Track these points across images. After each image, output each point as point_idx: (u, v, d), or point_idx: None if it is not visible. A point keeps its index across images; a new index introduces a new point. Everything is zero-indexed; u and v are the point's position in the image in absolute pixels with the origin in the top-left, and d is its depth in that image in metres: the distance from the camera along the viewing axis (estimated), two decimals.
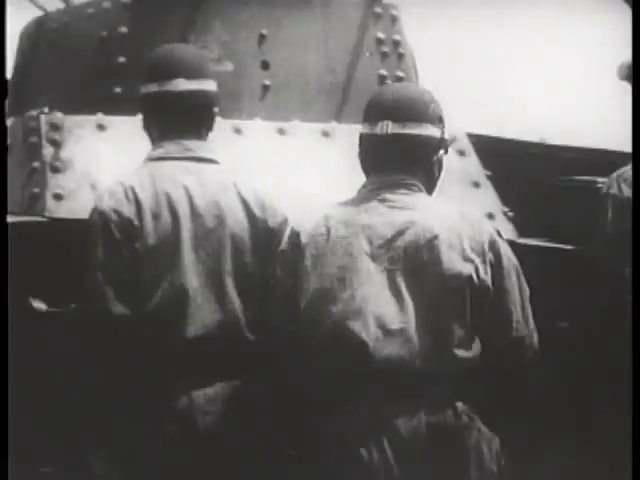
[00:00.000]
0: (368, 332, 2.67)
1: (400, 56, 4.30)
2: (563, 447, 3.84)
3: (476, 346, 2.76)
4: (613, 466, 3.66)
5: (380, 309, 2.68)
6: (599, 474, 3.80)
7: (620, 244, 2.78)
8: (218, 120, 3.10)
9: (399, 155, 2.81)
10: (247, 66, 4.01)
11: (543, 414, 3.86)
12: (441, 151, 2.86)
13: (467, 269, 2.72)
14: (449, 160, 3.64)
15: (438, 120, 2.83)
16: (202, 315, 2.80)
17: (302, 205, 3.49)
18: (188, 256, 2.79)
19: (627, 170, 2.86)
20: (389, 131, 2.79)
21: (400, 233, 2.73)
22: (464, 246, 2.74)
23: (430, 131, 2.81)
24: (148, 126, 2.98)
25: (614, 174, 2.69)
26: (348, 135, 3.73)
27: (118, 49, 3.92)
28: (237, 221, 2.87)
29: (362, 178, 3.52)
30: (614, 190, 2.70)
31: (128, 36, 3.94)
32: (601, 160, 4.00)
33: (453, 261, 2.71)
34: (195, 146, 2.92)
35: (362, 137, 2.86)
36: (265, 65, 4.11)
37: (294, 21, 4.17)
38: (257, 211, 2.91)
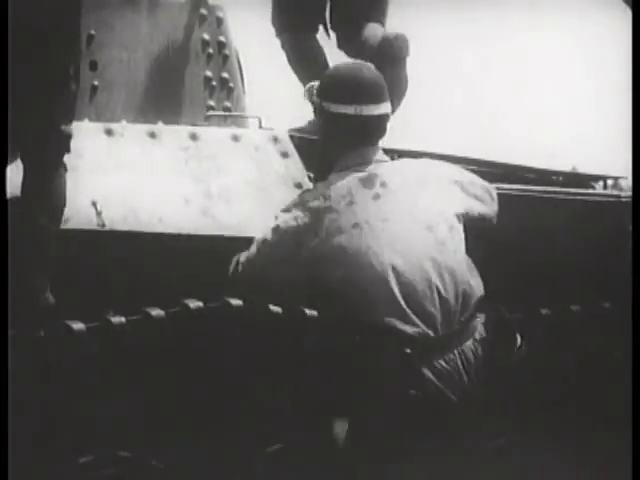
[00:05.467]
0: None
1: (225, 57, 4.38)
2: (563, 447, 3.88)
3: None
4: (613, 466, 3.69)
5: None
6: (599, 474, 3.84)
7: None
8: None
9: (370, 131, 3.23)
10: None
11: (542, 414, 3.91)
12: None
13: None
14: (272, 162, 3.77)
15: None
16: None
17: (130, 205, 3.58)
18: None
19: None
20: (363, 113, 3.18)
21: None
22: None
23: (388, 107, 3.26)
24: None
25: None
26: (174, 136, 3.82)
27: None
28: None
29: (189, 179, 3.66)
30: None
31: None
32: None
33: None
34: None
35: (333, 115, 3.23)
36: (93, 65, 4.14)
37: (121, 22, 4.20)
38: None
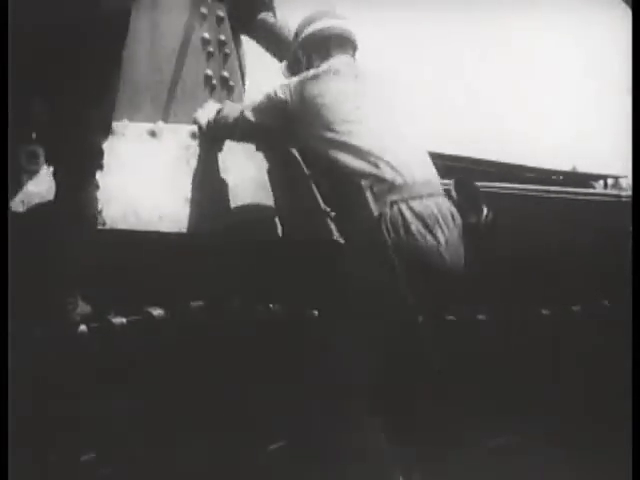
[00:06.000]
0: None
1: (226, 56, 4.37)
2: (563, 447, 3.92)
3: None
4: (613, 466, 3.69)
5: None
6: (599, 474, 3.84)
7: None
8: None
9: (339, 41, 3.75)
10: None
11: (542, 414, 3.95)
12: None
13: None
14: None
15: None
16: None
17: (131, 204, 3.59)
18: None
19: None
20: (332, 25, 3.76)
21: None
22: None
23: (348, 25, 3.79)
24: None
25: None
26: (175, 135, 3.82)
27: None
28: None
29: (189, 178, 3.66)
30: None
31: None
32: None
33: None
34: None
35: (307, 38, 3.78)
36: None
37: None
38: None
